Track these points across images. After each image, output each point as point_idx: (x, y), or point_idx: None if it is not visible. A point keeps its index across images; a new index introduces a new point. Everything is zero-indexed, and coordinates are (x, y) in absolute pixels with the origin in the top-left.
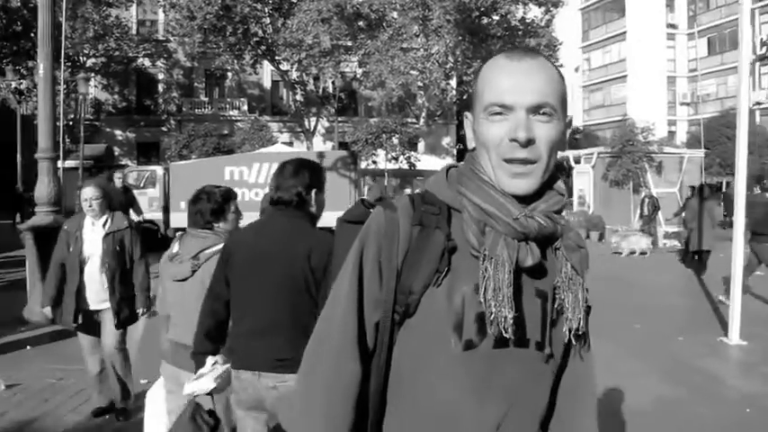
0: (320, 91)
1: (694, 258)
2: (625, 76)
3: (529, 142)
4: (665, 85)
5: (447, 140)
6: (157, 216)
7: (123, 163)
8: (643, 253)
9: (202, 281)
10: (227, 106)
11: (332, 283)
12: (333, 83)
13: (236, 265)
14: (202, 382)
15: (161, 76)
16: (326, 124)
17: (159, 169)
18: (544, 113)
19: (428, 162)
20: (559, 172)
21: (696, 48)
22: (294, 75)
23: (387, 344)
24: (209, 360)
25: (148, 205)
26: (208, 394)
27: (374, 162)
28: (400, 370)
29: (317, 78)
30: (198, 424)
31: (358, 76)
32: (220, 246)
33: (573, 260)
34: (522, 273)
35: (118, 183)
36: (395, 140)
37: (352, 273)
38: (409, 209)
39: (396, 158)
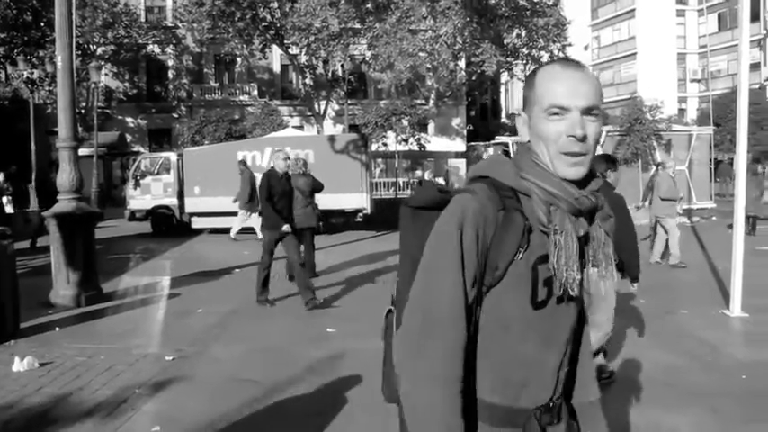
0: (329, 74)
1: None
2: (635, 54)
3: (583, 138)
4: (675, 62)
5: (457, 121)
6: (172, 202)
7: (136, 150)
8: None
9: None
10: (238, 91)
11: (406, 259)
12: (342, 66)
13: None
14: None
15: (171, 63)
16: (336, 107)
17: (173, 155)
18: (593, 114)
19: (438, 143)
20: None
21: (706, 24)
22: (303, 59)
23: (475, 309)
24: None
25: (163, 191)
26: None
27: (384, 144)
28: (486, 329)
29: (326, 62)
30: None
31: (367, 58)
32: None
33: (605, 227)
34: None
35: (281, 166)
36: (405, 122)
37: (455, 251)
38: (492, 195)
39: (406, 140)
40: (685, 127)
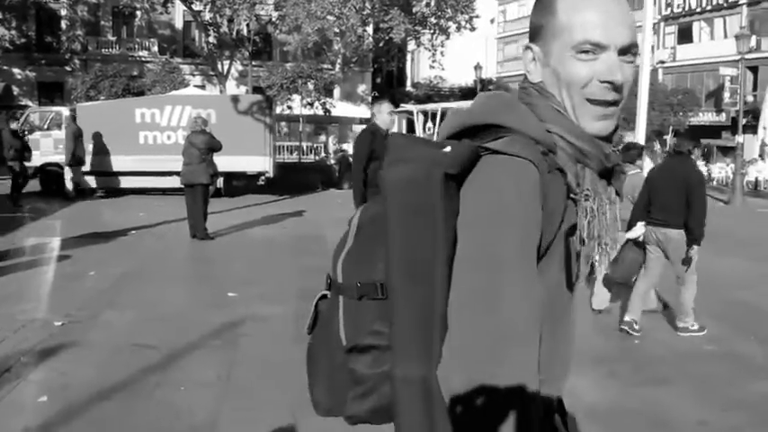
0: (234, 33)
1: None
2: None
3: (621, 85)
4: None
5: (362, 88)
6: (63, 158)
7: (24, 103)
8: None
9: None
10: (137, 46)
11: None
12: (247, 25)
13: (655, 179)
14: (636, 230)
15: (64, 12)
16: (240, 68)
17: (65, 110)
18: (631, 53)
19: (343, 109)
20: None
21: None
22: (207, 16)
23: None
24: (640, 223)
25: (54, 147)
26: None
27: (289, 107)
28: None
29: (231, 20)
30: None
31: (273, 19)
32: (637, 171)
33: (617, 186)
34: None
35: (386, 121)
36: (310, 86)
37: (526, 236)
38: (536, 154)
39: (311, 104)
40: None
